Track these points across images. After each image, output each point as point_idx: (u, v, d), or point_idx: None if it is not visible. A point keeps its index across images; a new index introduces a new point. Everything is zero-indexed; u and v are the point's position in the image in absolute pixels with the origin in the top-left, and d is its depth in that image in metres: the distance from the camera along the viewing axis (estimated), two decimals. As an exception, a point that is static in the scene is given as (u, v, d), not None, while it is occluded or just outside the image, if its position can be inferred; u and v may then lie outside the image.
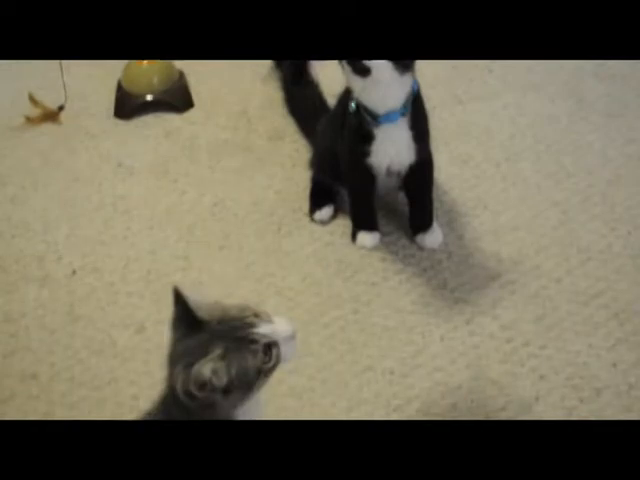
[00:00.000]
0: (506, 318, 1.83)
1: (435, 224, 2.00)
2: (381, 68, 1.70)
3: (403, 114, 1.80)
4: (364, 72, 1.71)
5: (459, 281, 1.91)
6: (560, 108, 2.31)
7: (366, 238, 2.01)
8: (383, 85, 1.74)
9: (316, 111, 2.16)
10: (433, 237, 1.99)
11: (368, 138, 1.84)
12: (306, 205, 2.09)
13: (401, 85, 1.76)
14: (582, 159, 2.16)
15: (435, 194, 2.03)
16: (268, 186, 2.17)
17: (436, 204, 2.04)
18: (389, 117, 1.79)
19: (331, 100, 2.11)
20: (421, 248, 1.98)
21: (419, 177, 1.94)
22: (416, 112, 1.83)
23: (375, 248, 2.00)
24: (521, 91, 2.37)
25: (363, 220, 2.02)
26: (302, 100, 2.25)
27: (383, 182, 1.95)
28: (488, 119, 2.29)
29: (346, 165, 1.96)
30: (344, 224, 2.05)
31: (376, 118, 1.80)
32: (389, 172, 1.91)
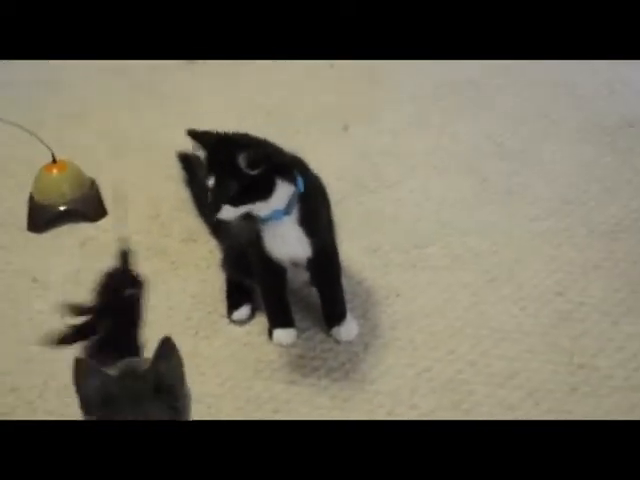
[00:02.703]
0: (425, 407, 1.86)
1: (349, 316, 2.03)
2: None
3: (287, 213, 1.83)
4: None
5: (377, 372, 1.93)
6: (464, 189, 2.38)
7: (282, 335, 2.03)
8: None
9: None
10: (348, 329, 2.02)
11: (258, 234, 1.87)
12: (222, 306, 2.11)
13: (282, 192, 1.79)
14: (487, 239, 2.22)
15: (348, 285, 2.08)
16: (183, 289, 2.18)
17: (349, 295, 2.07)
18: (273, 216, 1.82)
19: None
20: (337, 341, 2.01)
21: (323, 270, 1.97)
22: (306, 208, 1.85)
23: (292, 345, 2.02)
24: (425, 175, 2.44)
25: (278, 317, 2.04)
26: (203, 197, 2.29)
27: (293, 276, 1.99)
28: (395, 206, 2.35)
29: (252, 261, 1.99)
30: (262, 322, 2.07)
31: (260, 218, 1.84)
32: (294, 264, 1.95)
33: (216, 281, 2.18)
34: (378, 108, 2.72)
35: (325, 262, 1.96)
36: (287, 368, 1.97)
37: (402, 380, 1.91)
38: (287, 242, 1.87)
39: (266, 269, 1.95)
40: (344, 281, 2.03)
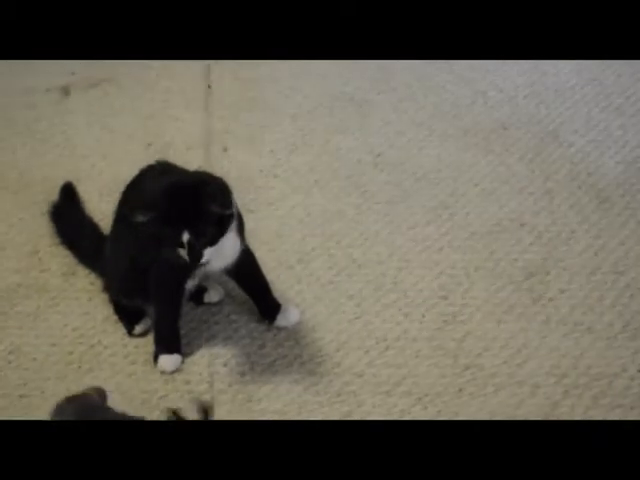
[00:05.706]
0: (313, 422, 1.84)
1: (284, 303, 2.05)
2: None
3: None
4: None
5: (264, 392, 1.90)
6: (345, 202, 2.38)
7: (167, 361, 1.98)
8: None
9: (94, 239, 2.21)
10: (289, 314, 2.05)
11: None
12: (105, 338, 2.06)
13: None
14: (371, 249, 2.22)
15: (232, 306, 2.05)
16: (65, 325, 2.11)
17: (234, 316, 2.05)
18: None
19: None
20: (226, 364, 1.98)
21: (250, 269, 2.01)
22: (238, 219, 1.90)
23: (178, 371, 1.97)
24: (307, 192, 2.43)
25: (167, 343, 2.00)
26: (73, 230, 2.28)
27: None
28: (278, 223, 2.33)
29: (160, 285, 1.95)
30: (146, 352, 2.02)
31: None
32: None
33: (98, 313, 2.12)
34: (258, 129, 2.70)
35: (250, 261, 2.00)
36: (173, 395, 1.93)
37: (289, 397, 1.89)
38: (227, 253, 1.90)
39: (171, 293, 1.95)
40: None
